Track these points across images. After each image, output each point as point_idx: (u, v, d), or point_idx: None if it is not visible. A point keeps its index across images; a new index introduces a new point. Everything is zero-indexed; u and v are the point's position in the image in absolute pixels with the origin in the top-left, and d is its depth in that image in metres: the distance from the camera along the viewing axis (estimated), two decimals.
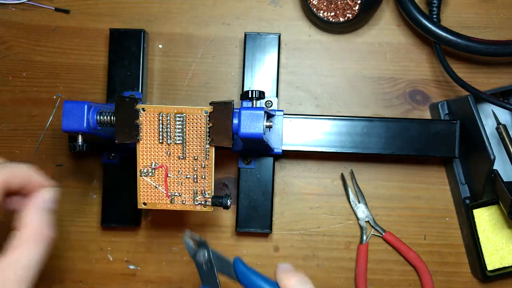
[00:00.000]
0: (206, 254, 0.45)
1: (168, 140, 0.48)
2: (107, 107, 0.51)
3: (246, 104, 0.58)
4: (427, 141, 0.58)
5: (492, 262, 0.59)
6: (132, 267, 0.63)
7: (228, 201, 0.48)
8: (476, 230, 0.59)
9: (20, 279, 0.39)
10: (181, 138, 0.48)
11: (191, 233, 0.45)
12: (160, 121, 0.48)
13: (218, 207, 0.48)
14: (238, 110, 0.48)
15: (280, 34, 0.61)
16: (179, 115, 0.48)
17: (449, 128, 0.58)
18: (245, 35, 0.61)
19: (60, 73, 0.64)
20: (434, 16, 0.60)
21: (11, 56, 0.64)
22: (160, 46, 0.64)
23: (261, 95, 0.55)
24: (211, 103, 0.47)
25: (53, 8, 0.64)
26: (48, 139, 0.63)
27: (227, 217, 0.63)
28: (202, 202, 0.49)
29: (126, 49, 0.61)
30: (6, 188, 0.40)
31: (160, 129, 0.48)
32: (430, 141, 0.58)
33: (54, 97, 0.64)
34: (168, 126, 0.48)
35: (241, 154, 0.59)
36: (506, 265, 0.59)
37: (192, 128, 0.48)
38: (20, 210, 0.41)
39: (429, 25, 0.59)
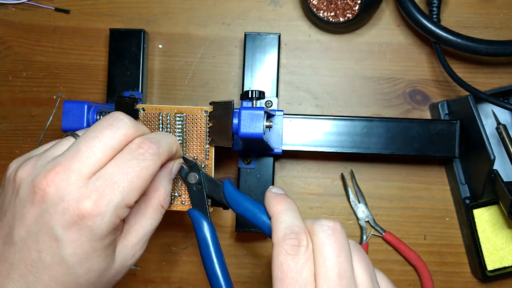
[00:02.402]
0: (197, 176, 0.45)
1: None
2: (107, 107, 0.51)
3: (246, 104, 0.58)
4: (427, 141, 0.58)
5: (492, 262, 0.59)
6: (132, 267, 0.63)
7: None
8: (476, 230, 0.59)
9: (140, 245, 0.40)
10: (181, 138, 0.48)
11: (184, 156, 0.46)
12: (160, 121, 0.48)
13: (218, 207, 0.48)
14: (238, 110, 0.48)
15: (280, 34, 0.61)
16: (179, 115, 0.48)
17: (449, 128, 0.58)
18: (245, 35, 0.61)
19: (60, 73, 0.64)
20: (434, 16, 0.60)
21: (11, 56, 0.64)
22: (160, 46, 0.64)
23: (261, 95, 0.55)
24: (211, 103, 0.47)
25: (53, 8, 0.64)
26: (48, 139, 0.63)
27: (227, 217, 0.63)
28: None
29: (126, 49, 0.61)
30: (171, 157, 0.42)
31: (160, 129, 0.48)
32: (430, 141, 0.58)
33: (54, 97, 0.64)
34: (168, 126, 0.48)
35: (241, 154, 0.59)
36: (506, 265, 0.59)
37: (192, 128, 0.48)
38: None
39: (429, 25, 0.59)
